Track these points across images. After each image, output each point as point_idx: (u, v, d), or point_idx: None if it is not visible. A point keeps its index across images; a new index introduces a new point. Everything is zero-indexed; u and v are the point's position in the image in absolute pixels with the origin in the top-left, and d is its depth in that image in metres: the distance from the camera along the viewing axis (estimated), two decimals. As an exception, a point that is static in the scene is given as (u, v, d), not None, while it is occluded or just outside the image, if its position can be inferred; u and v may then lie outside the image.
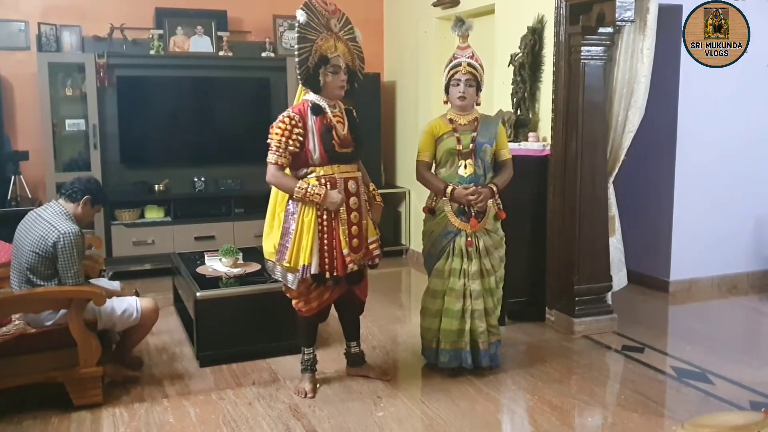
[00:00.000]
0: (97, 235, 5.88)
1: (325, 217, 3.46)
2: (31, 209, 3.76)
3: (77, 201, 3.63)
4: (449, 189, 3.81)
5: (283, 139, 3.41)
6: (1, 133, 5.97)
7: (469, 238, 3.84)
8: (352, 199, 3.53)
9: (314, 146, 3.45)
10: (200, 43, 6.51)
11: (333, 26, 3.51)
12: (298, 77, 3.50)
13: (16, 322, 3.63)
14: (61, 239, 3.44)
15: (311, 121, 3.46)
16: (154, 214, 6.41)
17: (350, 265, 3.50)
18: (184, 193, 6.57)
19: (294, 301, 3.68)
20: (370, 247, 3.63)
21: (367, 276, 3.78)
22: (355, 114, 3.68)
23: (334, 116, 3.52)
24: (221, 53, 6.52)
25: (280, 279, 3.62)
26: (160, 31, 6.37)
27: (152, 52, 6.32)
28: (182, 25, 6.46)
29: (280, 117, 3.46)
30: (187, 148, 6.64)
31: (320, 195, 3.38)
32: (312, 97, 3.52)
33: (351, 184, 3.54)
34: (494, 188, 3.85)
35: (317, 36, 3.45)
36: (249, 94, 6.72)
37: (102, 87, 6.13)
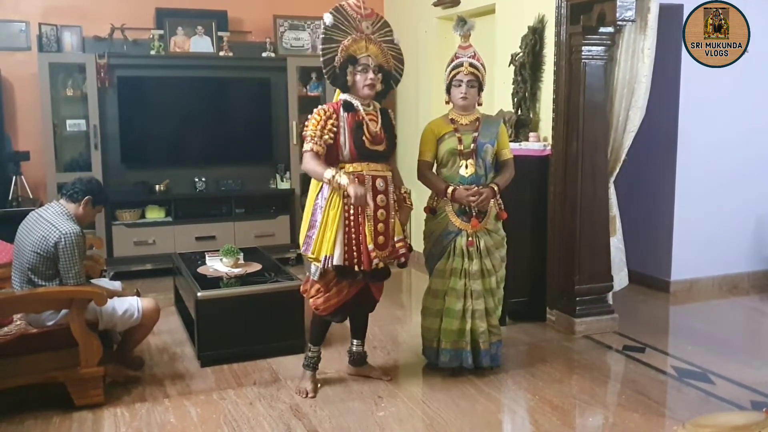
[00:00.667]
0: (98, 236, 5.89)
1: (351, 212, 3.50)
2: (32, 209, 3.76)
3: (78, 201, 3.63)
4: (450, 189, 3.82)
5: (318, 127, 3.48)
6: (2, 134, 5.97)
7: (470, 238, 3.84)
8: (380, 197, 3.56)
9: (345, 141, 3.51)
10: (201, 44, 6.51)
11: (365, 28, 3.59)
12: (326, 77, 3.61)
13: (18, 322, 3.63)
14: (63, 239, 3.44)
15: (343, 117, 3.53)
16: (155, 214, 6.41)
17: (375, 261, 3.52)
18: (184, 193, 6.57)
19: (312, 300, 3.68)
20: (397, 245, 3.63)
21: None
22: (391, 115, 3.74)
23: (367, 114, 3.58)
24: (222, 53, 6.53)
25: (307, 270, 3.68)
26: (161, 32, 6.37)
27: (153, 52, 6.33)
28: (183, 25, 6.46)
29: (315, 110, 3.56)
30: (188, 149, 6.65)
31: (345, 184, 3.40)
32: (345, 96, 3.61)
33: (379, 182, 3.57)
34: (495, 188, 3.85)
35: (344, 37, 3.53)
36: (249, 94, 6.72)
37: (103, 87, 6.14)
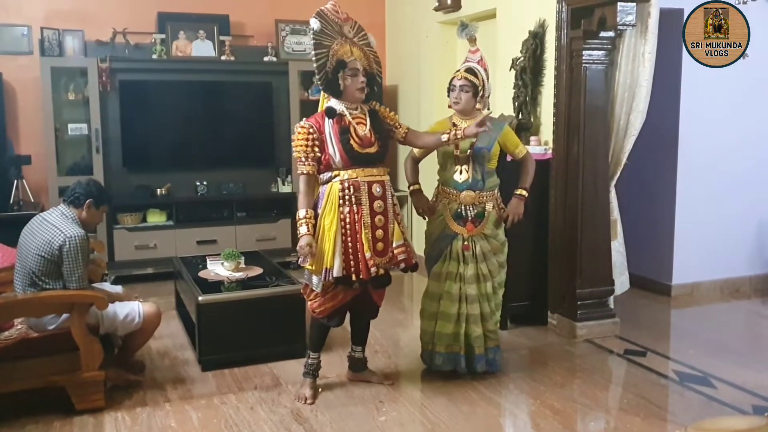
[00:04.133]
0: (100, 239, 5.89)
1: (348, 220, 3.47)
2: (34, 213, 3.77)
3: (81, 206, 3.63)
4: (414, 187, 4.02)
5: (302, 146, 3.46)
6: (4, 137, 5.98)
7: (465, 242, 3.84)
8: (377, 203, 3.52)
9: (334, 149, 3.48)
10: (202, 48, 6.52)
11: (347, 32, 3.59)
12: (318, 83, 3.56)
13: (19, 327, 3.64)
14: (67, 242, 3.45)
15: (328, 125, 3.50)
16: (156, 218, 6.41)
17: (373, 269, 3.48)
18: (186, 197, 6.57)
19: (309, 303, 3.68)
20: (395, 251, 3.58)
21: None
22: (381, 111, 3.70)
23: (354, 118, 3.55)
24: (223, 57, 6.53)
25: (307, 281, 3.63)
26: (163, 36, 6.38)
27: (154, 56, 6.33)
28: (184, 29, 6.47)
29: (296, 127, 3.53)
30: (190, 152, 6.66)
31: (300, 234, 3.44)
32: (332, 102, 3.57)
33: (376, 188, 3.53)
34: (524, 195, 3.92)
35: (332, 42, 3.52)
36: (251, 98, 6.73)
37: (104, 91, 6.14)
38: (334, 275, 3.44)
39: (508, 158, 4.08)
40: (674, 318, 5.33)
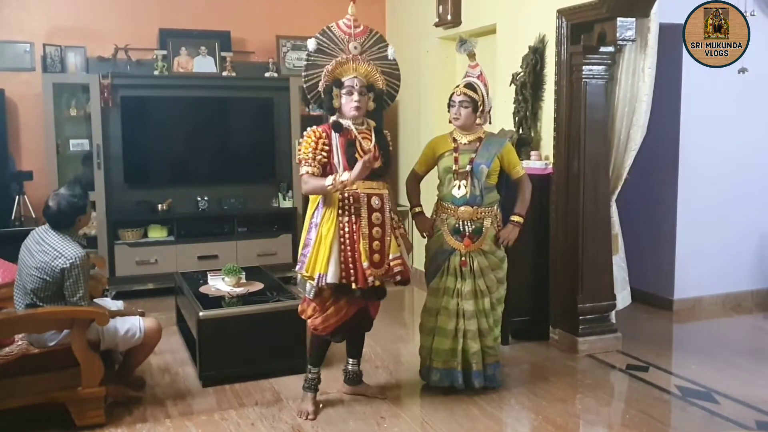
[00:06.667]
0: (101, 255, 5.89)
1: (347, 230, 3.49)
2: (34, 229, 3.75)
3: (73, 224, 3.62)
4: (416, 210, 4.04)
5: (311, 149, 3.50)
6: (6, 153, 5.99)
7: (463, 258, 3.84)
8: (375, 215, 3.54)
9: (338, 160, 3.52)
10: (204, 64, 6.55)
11: (352, 49, 3.61)
12: (311, 102, 3.64)
13: (19, 343, 3.62)
14: (68, 264, 3.44)
15: (335, 138, 3.54)
16: (157, 233, 6.41)
17: (370, 279, 3.49)
18: (187, 212, 6.57)
19: (310, 320, 3.67)
20: (392, 263, 3.57)
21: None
22: (387, 135, 3.75)
23: (360, 132, 3.59)
24: (225, 73, 6.56)
25: (304, 292, 3.65)
26: (164, 52, 6.41)
27: (156, 72, 6.36)
28: (186, 45, 6.50)
29: (306, 132, 3.57)
30: (191, 168, 6.67)
31: (347, 178, 3.39)
32: (334, 117, 3.62)
33: (375, 200, 3.56)
34: (520, 222, 3.93)
35: (328, 61, 3.56)
36: (252, 114, 6.76)
37: (106, 107, 6.16)
38: (328, 281, 3.44)
39: None
40: (676, 333, 5.31)
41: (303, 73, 3.59)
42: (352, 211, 3.50)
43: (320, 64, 3.57)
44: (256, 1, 6.88)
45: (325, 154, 3.51)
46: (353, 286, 3.49)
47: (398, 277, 3.61)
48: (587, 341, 4.63)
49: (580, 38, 4.54)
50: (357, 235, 3.50)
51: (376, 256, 3.54)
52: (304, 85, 3.61)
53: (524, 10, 5.15)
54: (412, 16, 6.84)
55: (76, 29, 6.29)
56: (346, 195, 3.49)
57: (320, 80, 3.57)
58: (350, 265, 3.48)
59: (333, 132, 3.55)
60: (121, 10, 6.46)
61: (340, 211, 3.49)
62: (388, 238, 3.59)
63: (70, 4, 6.31)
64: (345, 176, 3.40)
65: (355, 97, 3.54)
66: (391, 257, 3.58)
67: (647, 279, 5.72)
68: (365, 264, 3.48)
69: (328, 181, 3.42)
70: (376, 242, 3.55)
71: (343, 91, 3.55)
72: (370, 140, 3.61)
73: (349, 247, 3.49)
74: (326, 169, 3.53)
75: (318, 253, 3.49)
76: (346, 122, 3.57)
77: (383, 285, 3.65)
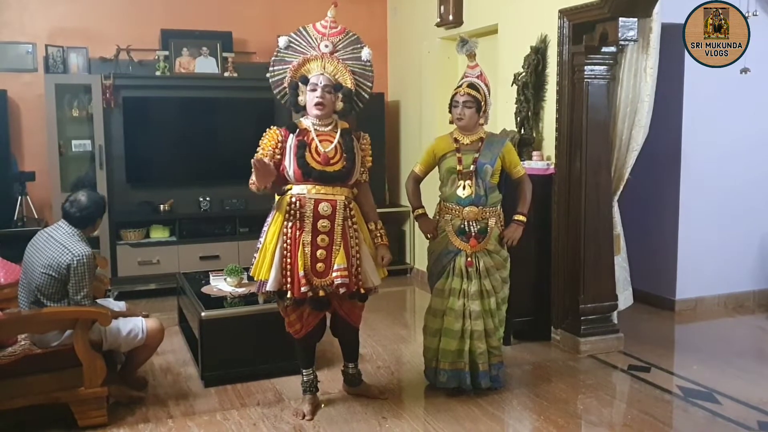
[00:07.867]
0: (103, 255, 5.89)
1: (289, 235, 3.44)
2: (38, 230, 3.77)
3: (85, 227, 3.65)
4: (418, 212, 4.00)
5: (269, 146, 3.50)
6: (8, 154, 6.00)
7: (468, 258, 3.84)
8: (322, 222, 3.42)
9: (289, 162, 3.48)
10: (205, 64, 6.55)
11: (323, 47, 3.56)
12: (278, 97, 3.64)
13: (22, 343, 3.63)
14: (75, 261, 3.46)
15: (291, 138, 3.51)
16: (159, 233, 6.42)
17: (304, 288, 3.39)
18: (189, 212, 6.58)
19: (285, 322, 3.67)
20: (334, 274, 3.42)
21: (358, 303, 3.65)
22: (362, 138, 3.63)
23: (319, 134, 3.51)
24: (226, 74, 6.57)
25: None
26: (166, 53, 6.42)
27: (158, 73, 6.36)
28: (188, 46, 6.51)
29: (268, 129, 3.57)
30: (193, 168, 6.67)
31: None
32: (303, 118, 3.60)
33: (323, 206, 3.43)
34: (523, 221, 3.93)
35: (297, 58, 3.55)
36: (254, 115, 6.73)
37: (108, 108, 6.17)
38: (268, 288, 3.43)
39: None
40: (678, 333, 5.31)
41: (269, 69, 3.58)
42: (297, 216, 3.43)
43: (288, 61, 3.55)
44: (257, 2, 6.90)
45: (278, 155, 3.48)
46: (287, 295, 3.42)
47: (341, 290, 3.45)
48: (589, 342, 4.62)
49: (582, 38, 4.53)
50: (298, 242, 3.42)
51: (320, 265, 3.43)
52: (270, 81, 3.59)
53: (526, 11, 5.16)
54: (413, 17, 6.84)
55: (78, 30, 6.30)
56: (293, 200, 3.43)
57: (287, 76, 3.55)
58: (288, 273, 3.42)
59: (290, 133, 3.51)
60: (122, 11, 6.47)
61: (286, 215, 3.43)
62: (337, 247, 3.46)
63: (72, 5, 6.32)
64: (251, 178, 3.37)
65: (318, 93, 3.46)
66: (335, 267, 3.44)
67: (649, 279, 5.71)
68: (300, 273, 3.39)
69: (251, 179, 3.39)
70: (321, 251, 3.44)
71: (308, 87, 3.50)
72: (331, 143, 3.51)
73: (289, 254, 3.43)
74: (280, 169, 3.48)
75: (263, 258, 3.48)
76: (306, 123, 3.54)
77: (359, 292, 3.51)
